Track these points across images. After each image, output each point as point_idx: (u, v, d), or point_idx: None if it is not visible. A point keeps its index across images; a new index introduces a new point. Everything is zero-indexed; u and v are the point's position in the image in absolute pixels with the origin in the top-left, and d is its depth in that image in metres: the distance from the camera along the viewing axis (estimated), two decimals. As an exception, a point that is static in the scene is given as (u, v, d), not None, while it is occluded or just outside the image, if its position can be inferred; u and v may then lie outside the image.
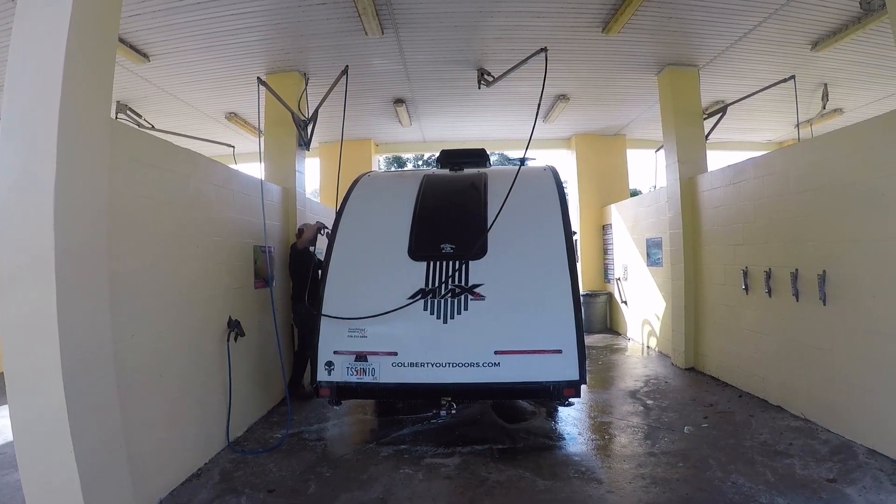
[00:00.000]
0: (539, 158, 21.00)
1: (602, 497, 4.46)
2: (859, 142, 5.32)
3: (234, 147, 11.16)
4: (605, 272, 13.53)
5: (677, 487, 4.55)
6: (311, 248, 7.45)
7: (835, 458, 4.94)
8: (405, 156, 27.27)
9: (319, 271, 6.61)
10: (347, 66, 7.47)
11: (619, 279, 12.33)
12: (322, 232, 7.31)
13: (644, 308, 10.98)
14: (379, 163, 14.62)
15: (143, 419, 4.37)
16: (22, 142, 3.50)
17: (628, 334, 11.99)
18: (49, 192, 3.39)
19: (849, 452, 5.04)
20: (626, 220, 11.96)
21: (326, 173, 13.68)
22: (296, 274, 7.36)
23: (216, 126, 11.30)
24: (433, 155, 33.62)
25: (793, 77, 8.28)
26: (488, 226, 5.88)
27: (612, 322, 13.03)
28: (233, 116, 10.90)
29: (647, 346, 10.75)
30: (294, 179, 8.44)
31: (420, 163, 27.59)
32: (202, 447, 5.38)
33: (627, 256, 11.84)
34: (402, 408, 6.81)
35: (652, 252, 10.33)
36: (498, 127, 12.49)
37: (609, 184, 13.69)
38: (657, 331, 10.27)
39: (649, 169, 22.93)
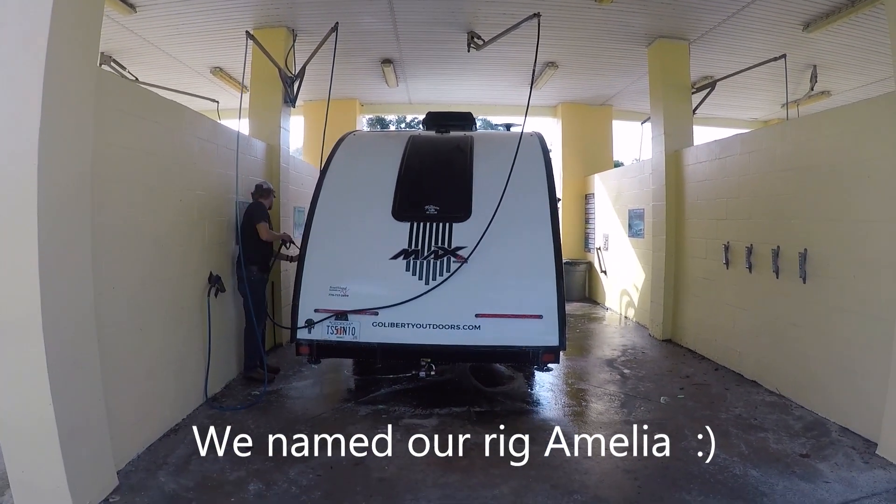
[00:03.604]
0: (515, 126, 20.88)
1: (579, 462, 4.53)
2: (847, 123, 5.33)
3: (217, 102, 10.94)
4: (585, 241, 13.60)
5: (653, 455, 4.58)
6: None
7: (808, 434, 5.04)
8: (388, 118, 26.94)
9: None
10: (337, 23, 7.31)
11: (599, 248, 12.40)
12: (287, 245, 7.03)
13: (623, 278, 11.07)
14: (363, 123, 14.40)
15: (122, 373, 4.34)
16: (7, 86, 3.39)
17: (606, 304, 12.10)
18: (34, 138, 3.31)
19: (822, 429, 5.14)
20: (610, 190, 11.98)
21: (310, 132, 13.47)
22: (245, 232, 6.45)
23: (201, 81, 11.04)
24: (416, 118, 33.27)
25: (783, 56, 8.27)
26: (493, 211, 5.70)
27: (591, 291, 13.14)
28: (218, 71, 10.66)
29: (625, 317, 10.87)
30: (279, 136, 8.32)
31: (402, 125, 27.23)
32: (180, 403, 5.37)
33: (609, 226, 11.89)
34: (381, 368, 6.82)
35: (634, 223, 10.37)
36: (485, 92, 12.37)
37: (593, 153, 13.66)
38: (635, 301, 10.37)
39: (633, 141, 22.96)
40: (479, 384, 6.44)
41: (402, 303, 5.43)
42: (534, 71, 6.14)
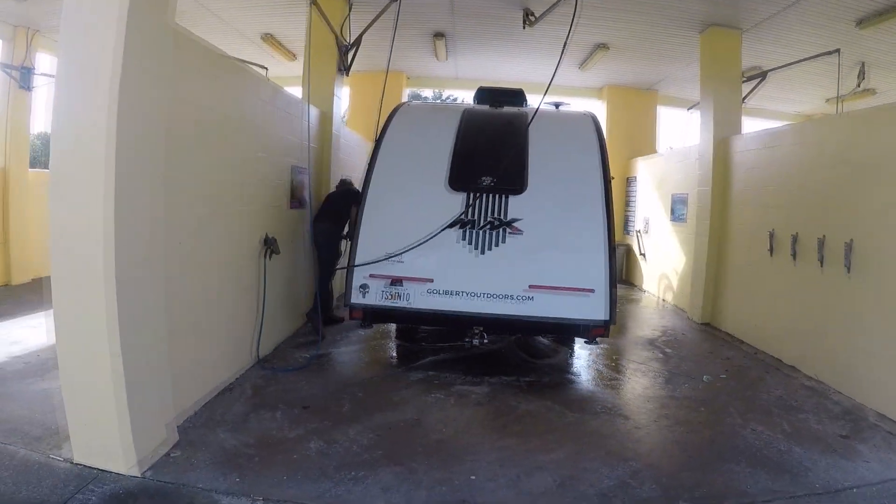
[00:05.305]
0: (571, 105, 20.77)
1: (629, 432, 4.69)
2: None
3: (266, 69, 11.06)
4: (625, 224, 13.58)
5: (700, 429, 4.78)
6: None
7: (847, 418, 5.13)
8: (423, 93, 26.85)
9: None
10: None
11: (639, 232, 12.41)
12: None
13: (663, 262, 11.11)
14: (406, 96, 14.46)
15: (182, 329, 4.35)
16: (87, 39, 3.42)
17: (644, 287, 12.15)
18: (115, 88, 3.32)
19: (860, 414, 5.23)
20: (653, 174, 11.97)
21: (355, 102, 13.56)
22: (339, 202, 7.40)
23: (251, 47, 11.12)
24: (451, 95, 33.10)
25: (838, 51, 8.20)
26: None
27: (629, 274, 13.16)
28: (269, 38, 10.75)
29: (663, 300, 10.92)
30: (332, 103, 8.42)
31: (439, 101, 27.15)
32: (233, 363, 5.45)
33: (650, 210, 11.90)
34: (424, 336, 7.01)
35: (677, 208, 10.38)
36: (533, 71, 12.26)
37: (637, 137, 13.58)
38: (674, 285, 10.42)
39: (673, 127, 22.65)
40: (525, 356, 6.58)
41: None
42: (565, 44, 6.07)
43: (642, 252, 12.26)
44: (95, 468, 3.59)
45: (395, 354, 6.61)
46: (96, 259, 3.40)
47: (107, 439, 3.58)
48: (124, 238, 3.46)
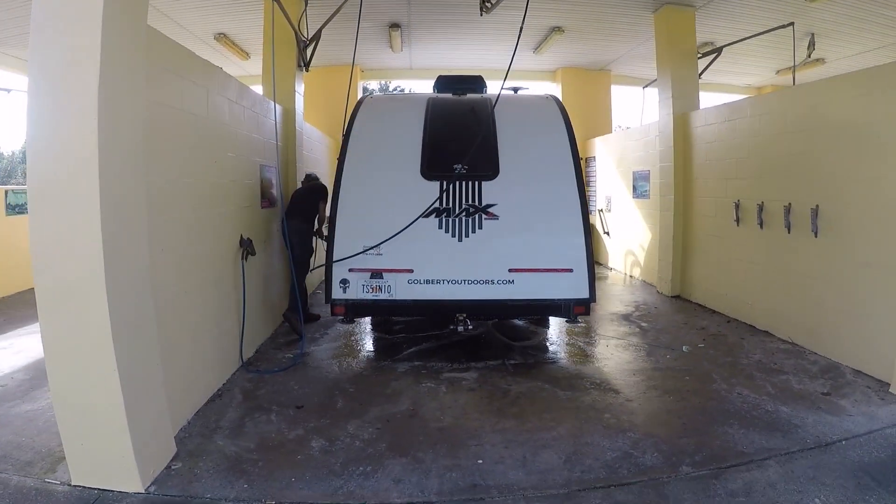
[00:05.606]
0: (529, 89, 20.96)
1: (622, 405, 4.81)
2: (864, 87, 5.55)
3: (220, 69, 10.85)
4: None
5: (689, 397, 4.93)
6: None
7: (825, 376, 5.37)
8: (369, 85, 26.58)
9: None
10: None
11: (601, 210, 12.61)
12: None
13: (627, 239, 11.34)
14: (360, 90, 14.34)
15: (170, 337, 4.23)
16: (63, 38, 3.27)
17: (610, 264, 12.37)
18: (93, 97, 3.20)
19: (837, 372, 5.48)
20: (612, 153, 12.16)
21: (309, 98, 13.38)
22: (306, 200, 7.31)
23: (203, 47, 10.91)
24: (398, 86, 32.77)
25: (792, 24, 8.46)
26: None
27: (594, 253, 13.31)
28: (222, 37, 10.59)
29: (630, 276, 11.16)
30: (294, 100, 8.34)
31: (367, 94, 26.95)
32: (220, 367, 5.36)
33: (611, 189, 12.10)
34: (402, 328, 7.02)
35: (639, 185, 10.59)
36: (488, 57, 12.32)
37: (593, 118, 13.76)
38: (641, 260, 10.65)
39: (627, 106, 23.09)
40: (506, 339, 6.65)
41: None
42: (521, 27, 6.11)
43: (606, 230, 12.46)
44: (96, 488, 3.48)
45: (377, 348, 6.59)
46: (86, 271, 3.27)
47: (106, 457, 3.49)
48: (113, 248, 3.33)
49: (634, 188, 10.80)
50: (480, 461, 3.86)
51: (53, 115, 3.31)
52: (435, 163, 5.99)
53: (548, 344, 6.66)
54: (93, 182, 3.22)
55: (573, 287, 5.61)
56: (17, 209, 9.97)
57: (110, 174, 3.33)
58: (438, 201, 5.75)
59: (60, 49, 3.28)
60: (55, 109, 3.31)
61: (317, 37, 8.34)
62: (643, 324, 7.43)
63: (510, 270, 5.61)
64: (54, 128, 3.31)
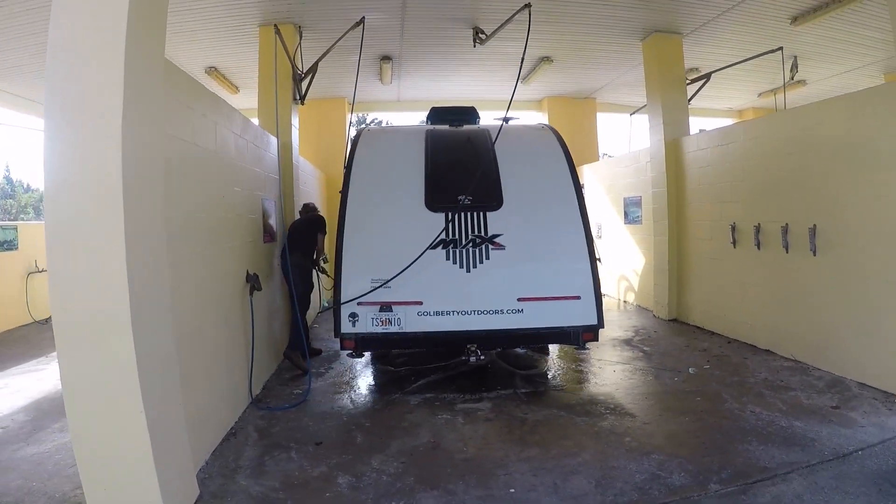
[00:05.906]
0: (519, 119, 21.26)
1: (640, 427, 4.85)
2: (858, 108, 5.75)
3: (225, 102, 10.91)
4: (576, 231, 13.88)
5: (704, 417, 4.99)
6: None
7: (832, 391, 5.50)
8: (352, 118, 26.59)
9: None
10: (364, 17, 7.42)
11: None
12: (325, 260, 7.56)
13: (620, 264, 11.48)
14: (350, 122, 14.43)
15: (186, 375, 4.07)
16: (84, 70, 3.21)
17: (603, 290, 12.40)
18: (116, 128, 3.14)
19: (842, 386, 5.61)
20: (602, 180, 12.35)
21: (302, 129, 13.47)
22: (304, 235, 7.18)
23: (193, 81, 10.97)
24: (376, 119, 32.87)
25: (780, 49, 8.74)
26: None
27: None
28: (213, 71, 10.64)
29: (624, 301, 11.27)
30: (290, 133, 8.38)
31: (363, 126, 27.22)
32: (232, 405, 5.25)
33: (602, 215, 12.25)
34: (404, 360, 6.95)
35: (630, 210, 10.75)
36: (477, 88, 12.56)
37: (579, 146, 13.78)
38: (635, 285, 10.76)
39: (611, 133, 23.51)
40: (512, 368, 6.62)
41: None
42: (522, 61, 6.31)
43: (598, 257, 12.50)
44: (121, 535, 3.35)
45: (384, 381, 6.53)
46: (110, 309, 3.18)
47: (132, 502, 3.32)
48: (137, 283, 3.25)
49: (626, 214, 10.96)
50: (512, 490, 3.85)
51: (76, 150, 3.24)
52: (438, 194, 6.04)
53: (554, 371, 6.68)
54: (118, 216, 3.15)
55: (582, 314, 5.70)
56: (3, 245, 9.74)
57: (134, 207, 3.27)
58: (444, 232, 5.79)
59: (82, 83, 3.22)
60: (76, 144, 3.24)
61: (313, 69, 8.43)
62: (645, 348, 7.50)
63: (519, 300, 5.65)
64: (76, 163, 3.24)
